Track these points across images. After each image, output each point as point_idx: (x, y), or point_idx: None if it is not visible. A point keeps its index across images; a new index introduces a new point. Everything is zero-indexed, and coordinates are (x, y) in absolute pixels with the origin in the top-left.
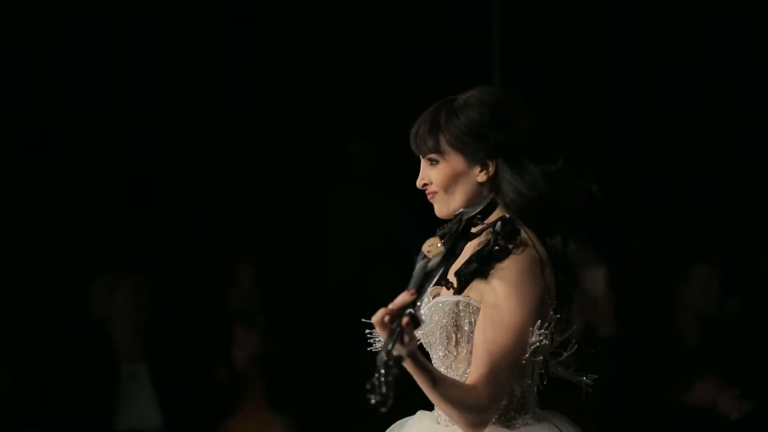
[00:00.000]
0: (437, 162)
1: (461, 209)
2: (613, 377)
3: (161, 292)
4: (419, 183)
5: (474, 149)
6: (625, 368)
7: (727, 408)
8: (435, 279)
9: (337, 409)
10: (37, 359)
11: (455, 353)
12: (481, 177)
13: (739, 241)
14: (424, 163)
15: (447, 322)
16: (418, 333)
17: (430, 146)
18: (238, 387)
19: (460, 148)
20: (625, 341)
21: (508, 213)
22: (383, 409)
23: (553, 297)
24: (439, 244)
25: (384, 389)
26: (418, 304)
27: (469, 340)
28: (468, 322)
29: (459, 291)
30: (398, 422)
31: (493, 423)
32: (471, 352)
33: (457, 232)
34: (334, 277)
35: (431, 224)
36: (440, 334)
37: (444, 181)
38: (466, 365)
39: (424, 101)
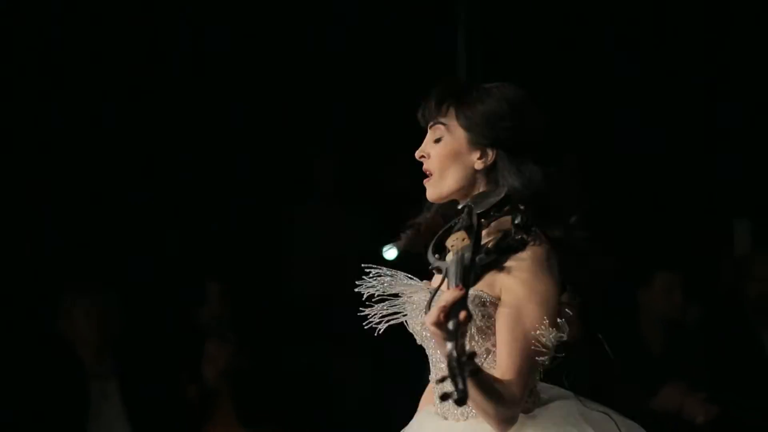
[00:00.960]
0: (440, 138)
1: (463, 200)
2: (576, 382)
3: (130, 309)
4: (418, 153)
5: (481, 134)
6: (590, 373)
7: (693, 412)
8: (477, 270)
9: (307, 423)
10: (3, 379)
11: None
12: (479, 164)
13: (701, 247)
14: (428, 136)
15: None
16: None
17: (439, 120)
18: (208, 403)
19: (469, 127)
20: (588, 346)
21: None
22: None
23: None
24: (464, 238)
25: (462, 386)
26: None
27: (481, 333)
28: (481, 316)
29: (471, 284)
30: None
31: None
32: (491, 346)
33: (474, 226)
34: (300, 292)
35: (391, 238)
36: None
37: (442, 158)
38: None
39: (388, 117)
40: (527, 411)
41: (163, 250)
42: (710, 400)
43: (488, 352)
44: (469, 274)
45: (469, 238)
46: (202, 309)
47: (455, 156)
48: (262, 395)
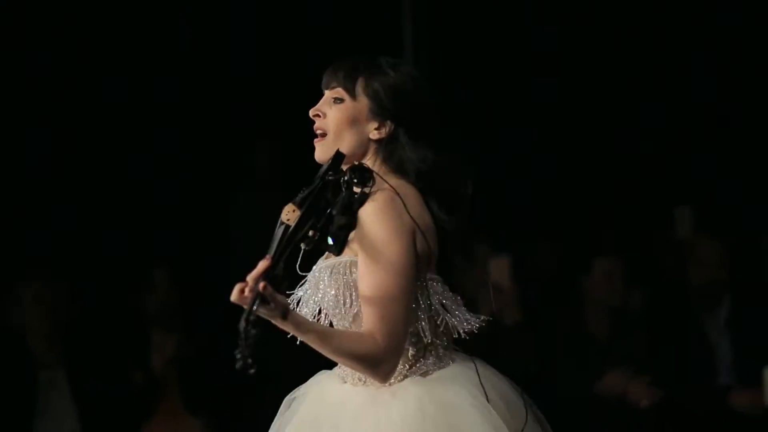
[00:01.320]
0: (342, 101)
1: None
2: (519, 366)
3: (77, 297)
4: (312, 111)
5: (383, 105)
6: (531, 357)
7: (637, 396)
8: (293, 244)
9: (252, 411)
10: None
11: (351, 315)
12: (375, 134)
13: (642, 233)
14: (326, 96)
15: (336, 285)
16: (301, 295)
17: (345, 84)
18: (155, 391)
19: (373, 97)
20: (530, 331)
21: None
22: (251, 371)
23: (432, 245)
24: (294, 210)
25: (246, 353)
26: (289, 269)
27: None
28: (353, 279)
29: (339, 251)
30: (293, 392)
31: (407, 372)
32: None
33: (314, 192)
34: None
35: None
36: (332, 299)
37: (340, 122)
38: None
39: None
40: (426, 373)
41: (111, 238)
42: (654, 384)
43: None
44: (283, 247)
45: (299, 208)
46: (148, 297)
47: (353, 122)
48: (208, 384)
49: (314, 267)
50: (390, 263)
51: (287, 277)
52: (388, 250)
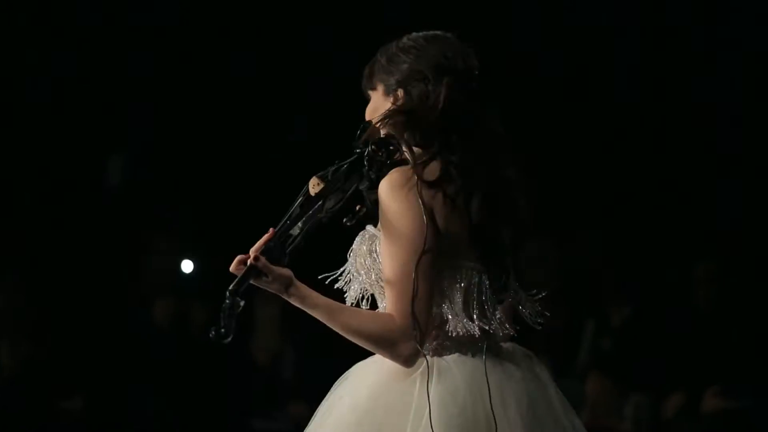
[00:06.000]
0: (370, 99)
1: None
2: None
3: None
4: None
5: (386, 81)
6: None
7: None
8: (311, 217)
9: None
10: None
11: (376, 283)
12: (390, 107)
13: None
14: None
15: (360, 254)
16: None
17: (367, 84)
18: None
19: (380, 80)
20: None
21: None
22: (226, 341)
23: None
24: (319, 183)
25: (223, 321)
26: (291, 236)
27: (375, 270)
28: (373, 250)
29: (377, 222)
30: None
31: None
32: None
33: (342, 166)
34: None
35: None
36: (358, 266)
37: (369, 114)
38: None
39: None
40: (439, 353)
41: None
42: None
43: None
44: (294, 219)
45: (323, 181)
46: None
47: (376, 109)
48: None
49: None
50: (405, 239)
51: (302, 249)
52: (402, 226)
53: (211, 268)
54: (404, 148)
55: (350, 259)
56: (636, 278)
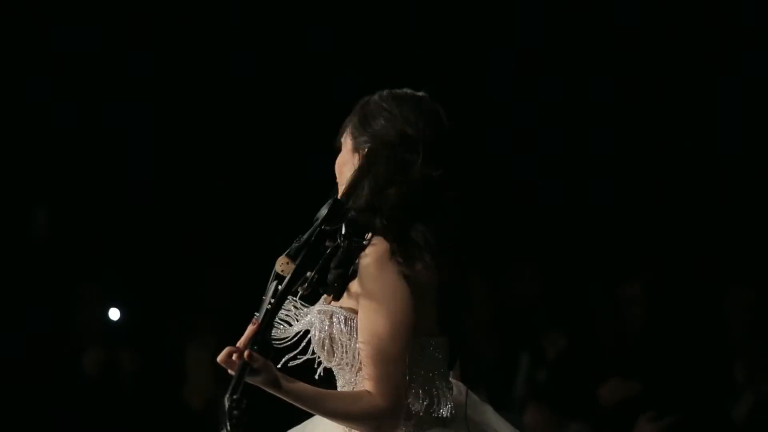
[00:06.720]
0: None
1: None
2: None
3: None
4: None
5: (357, 138)
6: None
7: None
8: (284, 300)
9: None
10: None
11: (337, 362)
12: (356, 165)
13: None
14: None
15: (321, 334)
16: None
17: (339, 133)
18: None
19: (351, 133)
20: None
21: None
22: None
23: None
24: (288, 262)
25: (230, 423)
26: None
27: (345, 348)
28: (339, 330)
29: (337, 298)
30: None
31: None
32: (353, 360)
33: (309, 242)
34: None
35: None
36: (318, 345)
37: (337, 168)
38: (351, 374)
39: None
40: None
41: None
42: None
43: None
44: (275, 307)
45: (293, 261)
46: None
47: (343, 164)
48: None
49: (313, 307)
50: (388, 316)
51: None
52: (388, 308)
53: (139, 315)
54: (377, 223)
55: (313, 338)
56: (568, 309)
